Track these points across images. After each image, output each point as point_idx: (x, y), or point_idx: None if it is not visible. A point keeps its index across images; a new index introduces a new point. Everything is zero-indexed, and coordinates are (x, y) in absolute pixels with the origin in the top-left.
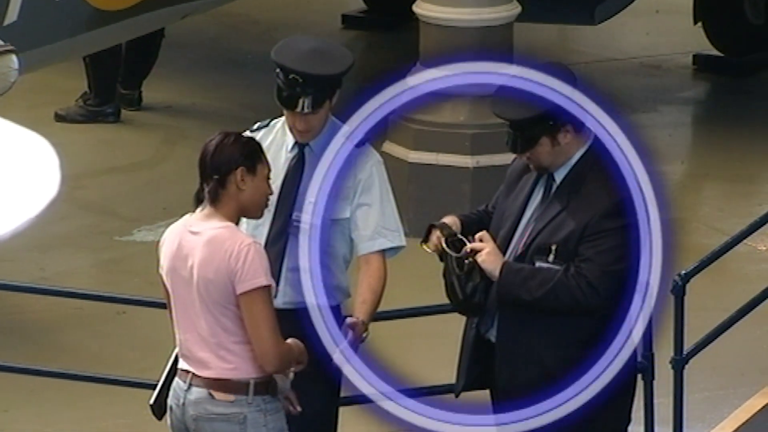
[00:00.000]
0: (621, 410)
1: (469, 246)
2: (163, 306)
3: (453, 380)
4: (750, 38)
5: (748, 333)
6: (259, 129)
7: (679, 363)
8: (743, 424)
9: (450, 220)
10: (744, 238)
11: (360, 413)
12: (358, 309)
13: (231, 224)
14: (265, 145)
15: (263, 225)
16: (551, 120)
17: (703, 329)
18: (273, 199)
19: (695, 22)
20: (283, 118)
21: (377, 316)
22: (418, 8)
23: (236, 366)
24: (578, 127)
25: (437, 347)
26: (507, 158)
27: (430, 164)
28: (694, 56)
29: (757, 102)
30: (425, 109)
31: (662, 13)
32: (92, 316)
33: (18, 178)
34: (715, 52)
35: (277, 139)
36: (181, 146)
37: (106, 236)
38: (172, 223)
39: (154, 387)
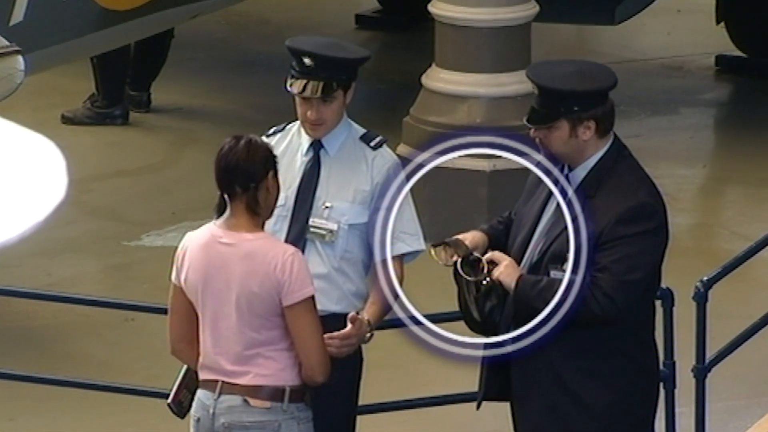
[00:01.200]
0: (643, 419)
1: (488, 256)
2: None
3: (468, 387)
4: None
5: None
6: (275, 133)
7: (701, 372)
8: None
9: (473, 236)
10: None
11: (377, 421)
12: (367, 309)
13: (266, 234)
14: (280, 149)
15: (280, 231)
16: (578, 105)
17: (725, 337)
18: (289, 204)
19: (718, 22)
20: (298, 123)
21: (390, 324)
22: (434, 8)
23: (271, 373)
24: (603, 128)
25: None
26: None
27: (446, 167)
28: (717, 57)
29: None
30: (440, 111)
31: (684, 12)
32: (100, 323)
33: (24, 182)
34: (738, 53)
35: (292, 143)
36: (191, 149)
37: (114, 241)
38: (181, 227)
39: (162, 395)
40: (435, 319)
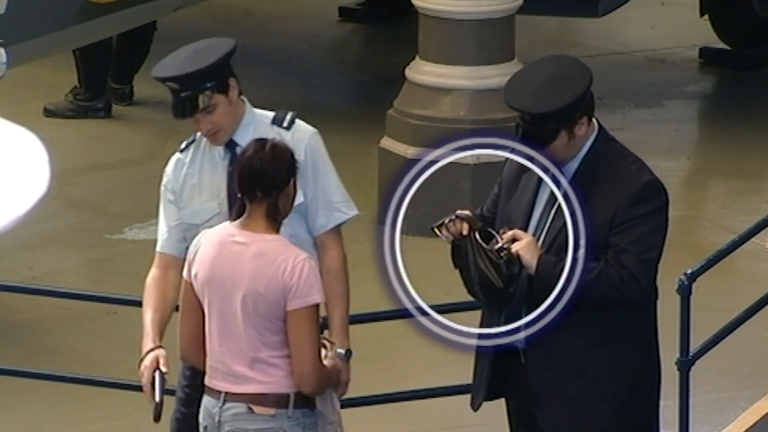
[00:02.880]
0: (656, 401)
1: (510, 233)
2: None
3: (450, 380)
4: (757, 31)
5: (755, 333)
6: (187, 147)
7: (685, 364)
8: (751, 427)
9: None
10: (751, 236)
11: (360, 414)
12: (336, 332)
13: (281, 237)
14: (198, 161)
15: None
16: (571, 113)
17: (709, 329)
18: (224, 211)
19: (701, 15)
20: None
21: (373, 317)
22: (418, 0)
23: (275, 380)
24: (591, 116)
25: (434, 347)
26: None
27: (413, 159)
28: (701, 50)
29: (765, 96)
30: (424, 103)
31: (668, 5)
32: (82, 316)
33: (6, 175)
34: (721, 46)
35: (207, 153)
36: (174, 142)
37: (97, 234)
38: None
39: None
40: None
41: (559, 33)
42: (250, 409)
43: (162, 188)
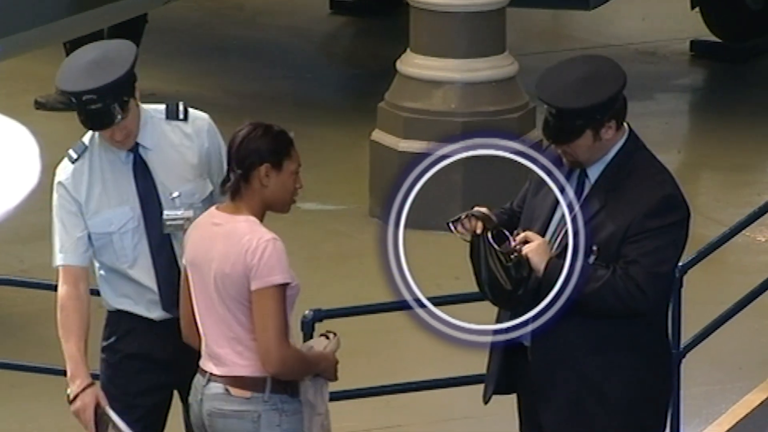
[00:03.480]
0: (662, 409)
1: (522, 235)
2: None
3: (438, 374)
4: (748, 24)
5: (746, 326)
6: (80, 156)
7: (676, 357)
8: (741, 419)
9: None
10: (742, 229)
11: (347, 407)
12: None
13: (253, 218)
14: (97, 170)
15: (140, 244)
16: (599, 113)
17: (700, 322)
18: (137, 214)
19: (692, 7)
20: (89, 134)
21: (365, 310)
22: None
23: (252, 363)
24: (621, 121)
25: (426, 340)
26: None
27: (420, 154)
28: (692, 42)
29: (755, 89)
30: (415, 96)
31: None
32: None
33: None
34: (712, 38)
35: (105, 158)
36: None
37: None
38: None
39: None
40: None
41: (550, 26)
42: (227, 390)
43: (57, 200)
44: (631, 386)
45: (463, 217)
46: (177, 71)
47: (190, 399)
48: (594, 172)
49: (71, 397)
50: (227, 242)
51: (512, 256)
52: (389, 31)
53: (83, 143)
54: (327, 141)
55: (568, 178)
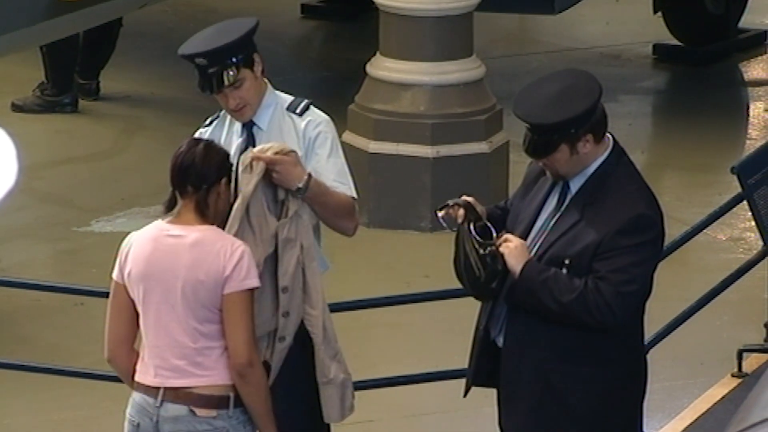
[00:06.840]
0: (629, 423)
1: (504, 236)
2: None
3: (410, 369)
4: (709, 28)
5: (708, 323)
6: (211, 122)
7: None
8: (703, 414)
9: (482, 209)
10: (704, 228)
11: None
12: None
13: (215, 227)
14: (222, 136)
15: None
16: (573, 128)
17: (663, 319)
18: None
19: (655, 12)
20: None
21: (335, 307)
22: None
23: (213, 373)
24: (599, 135)
25: (396, 337)
26: (467, 148)
27: (391, 154)
28: (654, 46)
29: (716, 91)
30: (384, 98)
31: (622, 2)
32: (50, 308)
33: None
34: (674, 42)
35: (230, 129)
36: (140, 136)
37: (64, 227)
38: (130, 213)
39: (112, 378)
40: (376, 303)
41: (516, 30)
42: (192, 411)
43: None
44: (593, 398)
45: (450, 203)
46: (152, 74)
47: (134, 418)
48: (575, 184)
49: None
50: (196, 251)
51: (488, 249)
52: (359, 35)
53: (218, 113)
54: None
55: (552, 186)
